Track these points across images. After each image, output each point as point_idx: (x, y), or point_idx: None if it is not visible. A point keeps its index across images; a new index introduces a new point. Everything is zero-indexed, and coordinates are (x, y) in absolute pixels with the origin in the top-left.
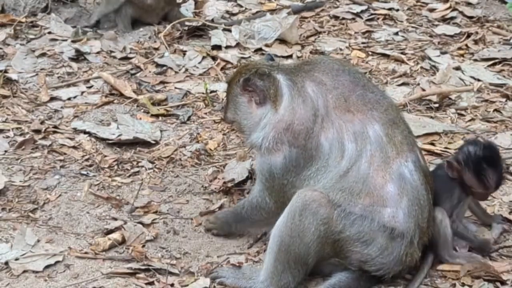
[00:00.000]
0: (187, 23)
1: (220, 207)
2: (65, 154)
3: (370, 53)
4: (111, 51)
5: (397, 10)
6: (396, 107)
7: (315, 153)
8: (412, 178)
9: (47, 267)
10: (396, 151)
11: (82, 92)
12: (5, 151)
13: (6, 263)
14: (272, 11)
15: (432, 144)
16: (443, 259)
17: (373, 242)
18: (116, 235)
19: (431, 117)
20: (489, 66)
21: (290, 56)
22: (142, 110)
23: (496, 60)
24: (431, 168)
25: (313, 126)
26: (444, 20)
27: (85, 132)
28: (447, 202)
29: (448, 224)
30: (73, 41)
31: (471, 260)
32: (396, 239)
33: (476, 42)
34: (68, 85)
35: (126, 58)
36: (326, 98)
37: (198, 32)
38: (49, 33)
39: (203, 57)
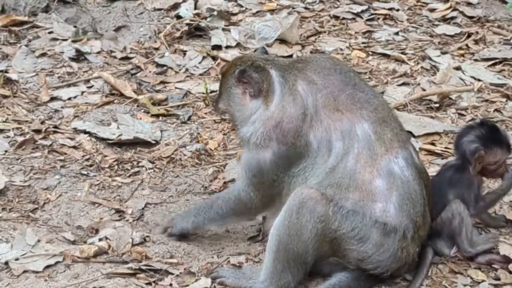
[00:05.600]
0: (186, 22)
1: None
2: (65, 154)
3: (370, 53)
4: (112, 51)
5: (398, 10)
6: (387, 106)
7: (303, 151)
8: (403, 174)
9: (47, 267)
10: (385, 148)
11: (83, 92)
12: (6, 151)
13: (6, 263)
14: (272, 11)
15: (433, 144)
16: (465, 251)
17: (368, 239)
18: (102, 243)
19: (432, 117)
20: (489, 66)
21: (290, 56)
22: (143, 110)
23: (497, 60)
24: (435, 173)
25: (302, 124)
26: (445, 20)
27: (85, 132)
28: (471, 194)
29: (467, 214)
30: (74, 41)
31: (490, 243)
32: (389, 234)
33: (476, 42)
34: (69, 85)
35: (126, 58)
36: (316, 97)
37: (198, 32)
38: (50, 32)
39: (204, 57)
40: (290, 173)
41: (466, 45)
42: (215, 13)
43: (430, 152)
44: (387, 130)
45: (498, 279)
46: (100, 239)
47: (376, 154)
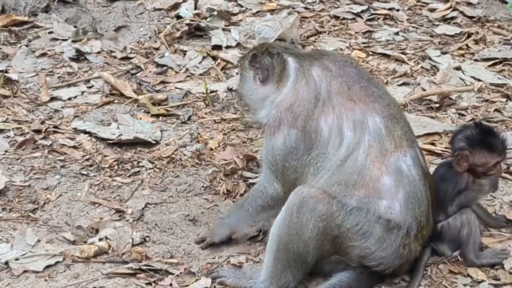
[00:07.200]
0: (186, 22)
1: None
2: (65, 154)
3: (370, 53)
4: (112, 51)
5: (398, 10)
6: (398, 105)
7: (314, 136)
8: (410, 173)
9: (48, 267)
10: (395, 145)
11: (83, 92)
12: (6, 151)
13: (6, 263)
14: (272, 11)
15: (433, 144)
16: (470, 261)
17: (371, 234)
18: (102, 242)
19: (432, 117)
20: (489, 66)
21: None
22: (143, 110)
23: (497, 60)
24: (432, 170)
25: (313, 108)
26: (445, 20)
27: (85, 132)
28: (455, 190)
29: (476, 225)
30: (74, 41)
31: (496, 258)
32: (392, 230)
33: (476, 42)
34: (69, 85)
35: (126, 58)
36: (330, 83)
37: (198, 32)
38: (50, 32)
39: (204, 57)
40: (302, 162)
41: (466, 45)
42: (215, 13)
43: (430, 152)
44: (397, 127)
45: (498, 279)
46: (100, 239)
47: (386, 150)
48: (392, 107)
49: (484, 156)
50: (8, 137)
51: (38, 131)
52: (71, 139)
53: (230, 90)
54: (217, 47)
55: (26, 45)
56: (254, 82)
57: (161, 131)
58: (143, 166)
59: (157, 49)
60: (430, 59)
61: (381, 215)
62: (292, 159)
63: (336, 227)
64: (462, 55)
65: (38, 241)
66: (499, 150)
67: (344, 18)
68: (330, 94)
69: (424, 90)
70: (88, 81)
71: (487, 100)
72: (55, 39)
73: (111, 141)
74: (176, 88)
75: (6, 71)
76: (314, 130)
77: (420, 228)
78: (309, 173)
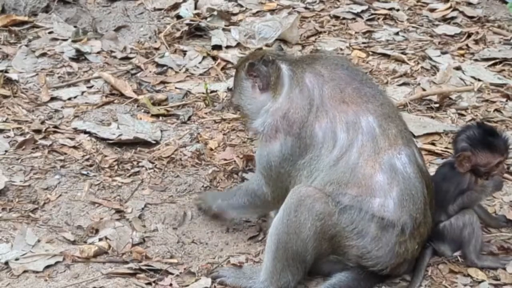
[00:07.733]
0: (186, 22)
1: None
2: (65, 154)
3: (370, 53)
4: (112, 51)
5: (398, 10)
6: (393, 104)
7: (309, 142)
8: (405, 170)
9: (48, 267)
10: (389, 143)
11: (83, 92)
12: (6, 151)
13: (6, 263)
14: (272, 11)
15: (433, 144)
16: (471, 261)
17: (366, 233)
18: (102, 243)
19: (432, 117)
20: (489, 66)
21: None
22: (143, 110)
23: (497, 60)
24: (433, 171)
25: (307, 115)
26: (445, 20)
27: (85, 132)
28: (457, 190)
29: (478, 226)
30: (74, 41)
31: (498, 263)
32: (387, 229)
33: (476, 42)
34: (69, 85)
35: (126, 58)
36: (322, 88)
37: (198, 32)
38: (50, 32)
39: (204, 57)
40: (297, 166)
41: (466, 45)
42: (215, 13)
43: (430, 152)
44: (392, 126)
45: (498, 279)
46: (100, 239)
47: (379, 148)
48: (386, 107)
49: (486, 156)
50: (8, 137)
51: (38, 131)
52: (71, 139)
53: (230, 90)
54: (217, 47)
55: (26, 45)
56: (253, 91)
57: (161, 131)
58: (143, 166)
59: (157, 49)
60: (430, 59)
61: (374, 213)
62: (287, 165)
63: (333, 226)
64: (462, 55)
65: (38, 241)
66: (501, 150)
67: (344, 18)
68: (323, 99)
69: (424, 90)
70: (88, 81)
71: (487, 100)
72: (55, 39)
73: (111, 141)
74: (176, 88)
75: (6, 71)
76: (309, 135)
77: (416, 226)
78: (303, 175)
